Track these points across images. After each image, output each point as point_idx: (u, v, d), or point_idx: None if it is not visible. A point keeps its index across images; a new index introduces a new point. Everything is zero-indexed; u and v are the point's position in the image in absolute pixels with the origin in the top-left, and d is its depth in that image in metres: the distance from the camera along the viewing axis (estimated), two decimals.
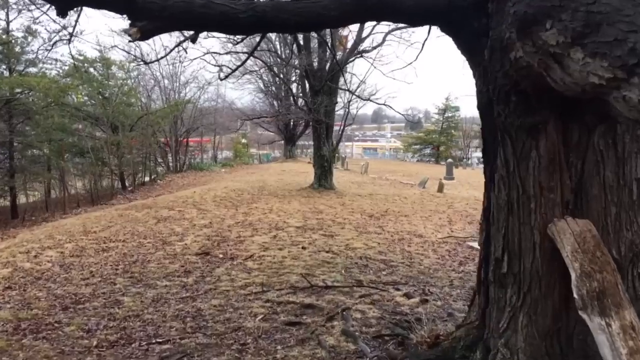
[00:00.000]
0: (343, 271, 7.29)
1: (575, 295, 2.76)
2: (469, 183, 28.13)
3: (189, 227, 11.26)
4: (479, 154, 71.27)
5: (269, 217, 12.55)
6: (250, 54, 9.98)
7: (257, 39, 11.04)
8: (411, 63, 9.84)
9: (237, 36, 11.54)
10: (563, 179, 3.11)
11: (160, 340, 4.79)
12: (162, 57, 9.20)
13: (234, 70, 10.26)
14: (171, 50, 8.73)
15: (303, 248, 8.88)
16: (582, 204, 3.13)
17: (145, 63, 9.16)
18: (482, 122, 3.64)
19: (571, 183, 3.13)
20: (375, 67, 18.04)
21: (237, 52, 17.09)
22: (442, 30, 3.79)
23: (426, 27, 15.15)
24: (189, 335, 4.89)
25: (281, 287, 6.41)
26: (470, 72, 3.73)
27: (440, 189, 20.68)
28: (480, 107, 3.55)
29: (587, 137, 3.06)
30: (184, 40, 8.60)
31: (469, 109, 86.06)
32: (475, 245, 9.96)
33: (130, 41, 3.73)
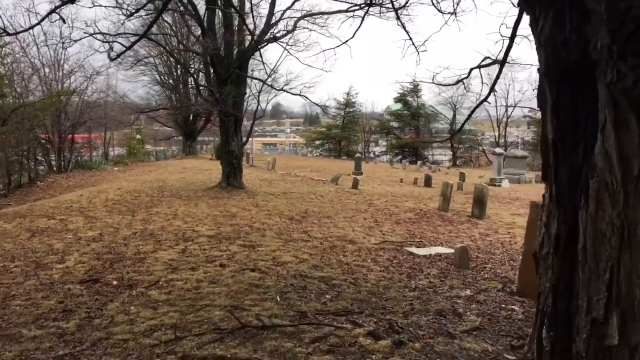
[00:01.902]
0: (279, 298, 5.75)
1: None
2: (379, 178, 27.52)
3: (73, 241, 9.14)
4: (378, 149, 72.45)
5: (174, 225, 10.68)
6: (149, 27, 8.10)
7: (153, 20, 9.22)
8: (347, 42, 8.41)
9: (131, 7, 9.59)
10: None
11: None
12: (34, 26, 7.10)
13: (128, 48, 8.32)
14: (46, 17, 6.68)
15: (222, 266, 7.22)
16: None
17: (8, 34, 7.01)
18: (555, 93, 2.28)
19: None
20: (290, 54, 16.42)
21: (129, 35, 14.84)
22: None
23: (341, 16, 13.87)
24: None
25: (201, 330, 4.75)
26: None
27: (355, 185, 19.66)
28: (553, 68, 2.19)
29: None
30: (61, 5, 6.61)
31: (368, 103, 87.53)
32: (416, 251, 8.85)
33: None
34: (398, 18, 7.67)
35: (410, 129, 66.61)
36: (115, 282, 6.50)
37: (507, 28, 6.97)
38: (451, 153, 64.26)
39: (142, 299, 5.79)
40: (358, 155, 35.08)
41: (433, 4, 8.20)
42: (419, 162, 45.67)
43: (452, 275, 7.33)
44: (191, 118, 37.54)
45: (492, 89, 7.26)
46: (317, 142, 68.15)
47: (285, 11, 16.86)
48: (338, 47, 8.26)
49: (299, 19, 16.92)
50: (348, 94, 64.41)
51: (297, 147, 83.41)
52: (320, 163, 41.53)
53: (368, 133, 68.98)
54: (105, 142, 38.27)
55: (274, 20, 16.23)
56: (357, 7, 16.89)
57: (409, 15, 11.99)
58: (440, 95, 62.31)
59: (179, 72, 36.02)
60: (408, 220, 12.48)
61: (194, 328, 4.79)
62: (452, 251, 8.88)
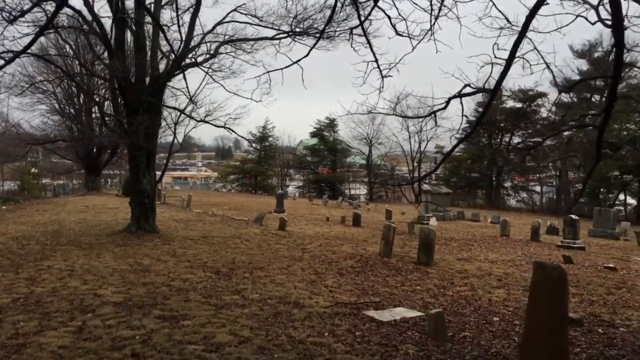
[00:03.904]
0: None
1: None
2: (302, 216, 26.02)
3: None
4: (294, 183, 71.29)
5: (70, 286, 8.47)
6: (36, 37, 6.15)
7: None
8: (299, 61, 6.81)
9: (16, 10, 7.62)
10: None
11: None
12: None
13: (7, 62, 6.30)
14: None
15: (134, 356, 5.28)
16: None
17: None
18: None
19: None
20: (214, 80, 14.69)
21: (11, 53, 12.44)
22: None
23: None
24: None
25: None
26: None
27: (282, 226, 18.00)
28: None
29: None
30: None
31: (285, 137, 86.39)
32: (377, 315, 7.34)
33: None
34: (365, 35, 6.27)
35: (326, 163, 66.33)
36: None
37: (498, 49, 5.79)
38: (366, 188, 64.44)
39: None
40: (280, 191, 33.38)
41: (392, 25, 6.92)
42: (340, 198, 44.75)
43: (433, 352, 5.87)
44: (94, 150, 34.29)
45: (479, 122, 5.99)
46: (232, 177, 65.94)
47: (205, 34, 15.26)
48: (287, 67, 6.72)
49: (221, 43, 15.40)
50: (264, 127, 63.12)
51: (209, 181, 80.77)
52: (237, 199, 39.48)
53: (284, 167, 67.80)
54: None
55: (193, 43, 14.52)
56: (284, 35, 15.69)
57: (359, 35, 10.73)
58: (355, 130, 62.61)
59: (82, 100, 32.93)
60: (351, 270, 11.00)
61: None
62: (419, 314, 7.50)
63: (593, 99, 48.25)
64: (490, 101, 5.66)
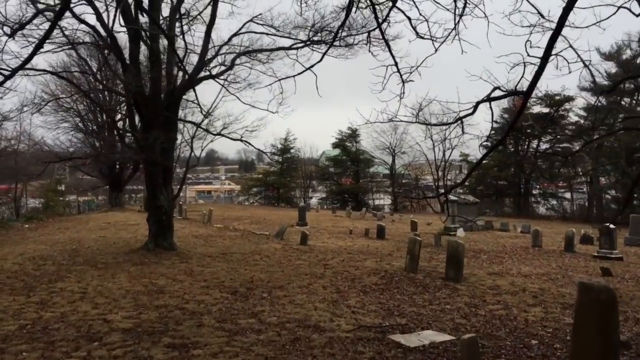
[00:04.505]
0: None
1: None
2: (325, 229, 25.47)
3: None
4: (317, 194, 70.70)
5: (80, 311, 8.09)
6: (37, 47, 5.82)
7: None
8: (312, 66, 6.39)
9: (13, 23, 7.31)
10: None
11: None
12: None
13: (7, 78, 5.97)
14: None
15: None
16: None
17: None
18: None
19: None
20: (229, 92, 14.37)
21: (35, 70, 12.28)
22: None
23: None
24: None
25: None
26: None
27: (304, 240, 17.51)
28: None
29: None
30: None
31: (307, 148, 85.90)
32: (404, 341, 6.76)
33: None
34: (383, 37, 5.78)
35: (349, 174, 65.63)
36: None
37: (531, 46, 5.23)
38: (390, 198, 63.48)
39: None
40: (302, 204, 32.94)
41: (413, 27, 6.40)
42: (363, 209, 44.06)
43: None
44: (117, 166, 34.36)
45: (512, 127, 5.39)
46: (255, 189, 65.66)
47: (221, 46, 14.97)
48: (300, 74, 6.28)
49: (237, 55, 15.06)
50: (285, 139, 62.80)
51: (233, 194, 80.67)
52: (259, 212, 39.10)
53: (307, 179, 67.32)
54: (16, 194, 34.17)
55: (209, 56, 14.22)
56: (302, 44, 15.29)
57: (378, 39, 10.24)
58: (378, 140, 61.83)
59: (104, 116, 33.08)
60: (375, 287, 10.42)
61: None
62: (450, 338, 6.90)
63: (623, 102, 46.70)
64: (525, 103, 5.11)
